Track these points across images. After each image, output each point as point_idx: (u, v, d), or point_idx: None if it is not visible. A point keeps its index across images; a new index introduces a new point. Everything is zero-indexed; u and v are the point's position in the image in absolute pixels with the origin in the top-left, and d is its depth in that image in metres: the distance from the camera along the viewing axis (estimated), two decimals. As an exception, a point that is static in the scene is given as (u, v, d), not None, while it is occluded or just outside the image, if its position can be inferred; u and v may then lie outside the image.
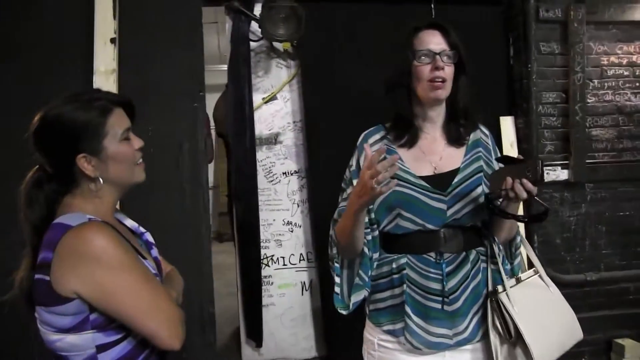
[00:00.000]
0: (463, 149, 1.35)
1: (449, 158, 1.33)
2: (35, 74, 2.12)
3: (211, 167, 4.37)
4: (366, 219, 1.31)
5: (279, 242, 2.69)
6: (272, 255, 2.68)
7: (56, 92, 2.01)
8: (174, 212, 2.21)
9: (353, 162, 1.38)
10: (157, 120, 2.17)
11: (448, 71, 1.28)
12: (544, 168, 1.17)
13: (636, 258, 2.86)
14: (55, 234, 0.95)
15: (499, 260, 1.30)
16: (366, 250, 1.30)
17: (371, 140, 1.38)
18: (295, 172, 2.71)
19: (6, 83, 2.12)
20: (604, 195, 2.82)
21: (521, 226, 1.81)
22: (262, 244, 2.62)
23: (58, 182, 1.04)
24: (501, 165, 1.28)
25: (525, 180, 1.15)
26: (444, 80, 1.27)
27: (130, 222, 1.17)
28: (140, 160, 1.10)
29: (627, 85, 2.84)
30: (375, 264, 1.33)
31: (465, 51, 1.31)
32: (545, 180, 2.57)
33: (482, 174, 1.31)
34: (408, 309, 1.26)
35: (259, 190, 2.61)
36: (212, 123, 3.64)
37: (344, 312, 1.34)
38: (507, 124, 2.76)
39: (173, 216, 2.19)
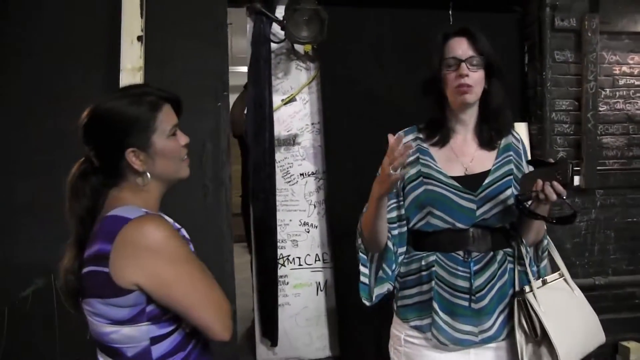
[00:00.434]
0: (494, 152, 1.38)
1: (480, 160, 1.36)
2: (63, 71, 2.15)
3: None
4: (394, 215, 1.35)
5: (295, 242, 2.71)
6: (288, 255, 2.70)
7: (84, 90, 2.07)
8: (197, 211, 2.21)
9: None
10: (181, 119, 2.17)
11: (475, 76, 1.30)
12: (574, 171, 1.21)
13: (643, 263, 2.90)
14: (114, 225, 0.95)
15: (526, 262, 1.33)
16: (390, 245, 1.34)
17: (405, 140, 1.41)
18: (313, 173, 2.73)
19: (36, 80, 2.14)
20: (614, 202, 2.87)
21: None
22: (278, 244, 2.64)
23: (105, 175, 1.04)
24: (532, 167, 1.31)
25: (555, 183, 1.18)
26: (469, 86, 1.30)
27: (167, 218, 1.18)
28: (186, 156, 1.12)
29: (638, 94, 2.88)
30: (404, 261, 1.36)
31: (495, 56, 1.33)
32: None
33: (512, 177, 1.34)
34: (435, 306, 1.29)
35: (276, 191, 2.62)
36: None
37: (367, 304, 1.36)
38: (521, 130, 2.78)
39: (195, 215, 2.19)
